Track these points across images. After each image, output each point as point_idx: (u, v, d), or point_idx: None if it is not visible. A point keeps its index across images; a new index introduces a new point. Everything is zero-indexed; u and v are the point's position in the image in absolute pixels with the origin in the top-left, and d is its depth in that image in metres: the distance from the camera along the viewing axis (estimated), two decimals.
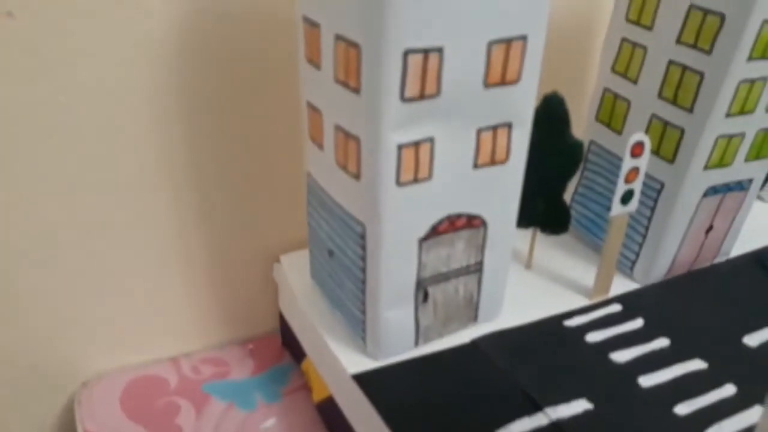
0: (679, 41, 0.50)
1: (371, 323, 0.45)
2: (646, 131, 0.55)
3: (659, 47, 0.52)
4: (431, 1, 0.35)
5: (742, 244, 0.63)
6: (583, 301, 0.56)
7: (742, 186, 0.57)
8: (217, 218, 0.57)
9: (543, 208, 0.57)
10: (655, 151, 0.54)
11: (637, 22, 0.54)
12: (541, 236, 0.59)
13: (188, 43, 0.50)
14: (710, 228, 0.58)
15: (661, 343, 0.51)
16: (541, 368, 0.47)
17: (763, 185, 0.68)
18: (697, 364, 0.49)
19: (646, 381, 0.47)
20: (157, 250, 0.56)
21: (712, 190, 0.55)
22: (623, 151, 0.51)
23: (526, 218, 0.57)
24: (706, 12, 0.48)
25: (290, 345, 0.59)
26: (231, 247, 0.58)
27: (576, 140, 0.55)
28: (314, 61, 0.42)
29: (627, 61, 0.55)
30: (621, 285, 0.58)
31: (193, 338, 0.60)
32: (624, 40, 0.55)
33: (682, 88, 0.51)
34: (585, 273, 0.59)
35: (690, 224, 0.56)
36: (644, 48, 0.53)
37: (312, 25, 0.41)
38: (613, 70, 0.57)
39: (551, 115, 0.53)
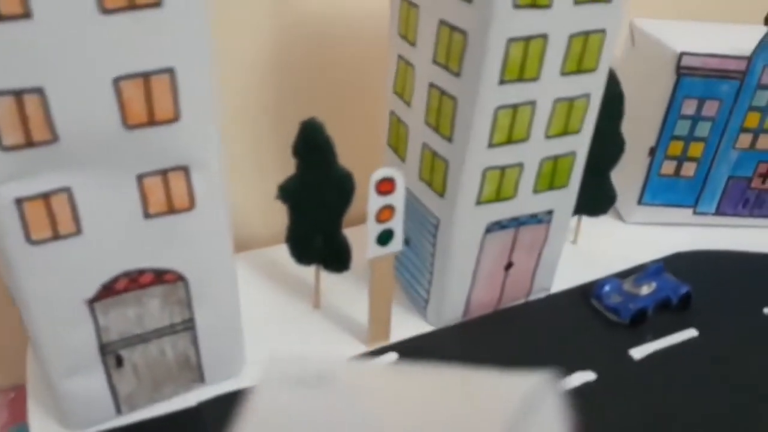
0: (435, 61, 0.44)
1: (55, 392, 0.40)
2: (420, 161, 0.48)
3: (421, 66, 0.46)
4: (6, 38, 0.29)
5: (595, 271, 0.58)
6: (360, 348, 0.50)
7: (538, 219, 0.50)
8: None
9: (321, 245, 0.51)
10: (429, 184, 0.48)
11: (405, 37, 0.47)
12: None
13: None
14: (510, 264, 0.52)
15: None
16: None
17: (595, 208, 0.62)
18: None
19: None
20: None
21: (497, 226, 0.49)
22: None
23: (306, 255, 0.52)
24: (452, 28, 0.42)
25: None
26: None
27: (343, 171, 0.49)
28: None
29: (403, 80, 0.49)
30: (414, 328, 0.52)
31: None
32: (399, 57, 0.49)
33: (441, 114, 0.44)
34: None
35: (478, 262, 0.50)
36: (413, 66, 0.47)
37: None
38: (394, 90, 0.51)
39: (311, 145, 0.47)
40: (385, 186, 0.43)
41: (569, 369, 0.48)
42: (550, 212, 0.50)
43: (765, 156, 0.64)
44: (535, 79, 0.42)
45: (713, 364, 0.50)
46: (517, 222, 0.49)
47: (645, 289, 0.54)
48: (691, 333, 0.53)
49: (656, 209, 0.67)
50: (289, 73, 0.60)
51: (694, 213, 0.67)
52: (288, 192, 0.49)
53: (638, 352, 0.51)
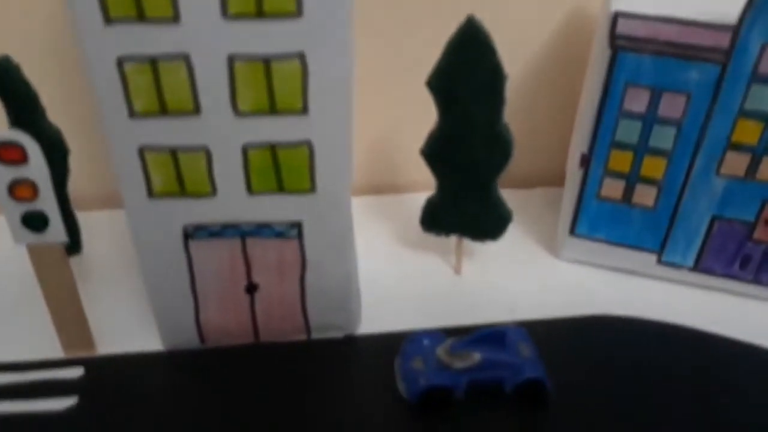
0: None
1: None
2: None
3: None
4: None
5: (464, 317, 0.41)
6: (56, 351, 0.40)
7: (277, 232, 0.35)
8: None
9: None
10: None
11: None
12: None
13: None
14: (253, 286, 0.37)
15: None
16: None
17: (479, 231, 0.44)
18: None
19: None
20: None
21: (203, 232, 0.34)
22: None
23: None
24: None
25: None
26: None
27: (51, 128, 0.39)
28: None
29: None
30: (147, 343, 0.41)
31: None
32: None
33: None
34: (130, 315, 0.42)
35: (193, 275, 0.36)
36: None
37: None
38: None
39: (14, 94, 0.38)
40: (8, 153, 0.32)
41: None
42: (296, 225, 0.35)
43: None
44: (166, 19, 0.27)
45: None
46: (238, 231, 0.35)
47: (462, 361, 0.36)
48: None
49: (597, 246, 0.46)
50: None
51: (660, 262, 0.45)
52: None
53: None
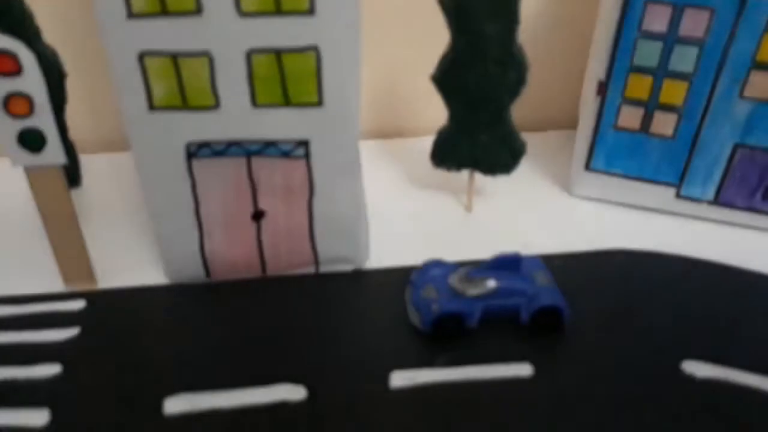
0: None
1: None
2: None
3: None
4: None
5: (473, 253, 0.39)
6: (56, 286, 0.39)
7: (282, 151, 0.33)
8: None
9: None
10: None
11: None
12: None
13: None
14: (259, 213, 0.36)
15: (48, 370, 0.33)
16: None
17: (489, 163, 0.42)
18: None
19: None
20: None
21: (206, 150, 0.33)
22: None
23: None
24: None
25: None
26: None
27: (47, 50, 0.37)
28: None
29: None
30: (151, 277, 0.39)
31: None
32: None
33: None
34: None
35: (197, 200, 0.35)
36: None
37: None
38: None
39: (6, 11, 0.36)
40: (1, 63, 0.31)
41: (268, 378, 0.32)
42: (303, 143, 0.33)
43: None
44: None
45: (524, 423, 0.30)
46: (243, 150, 0.33)
47: (477, 288, 0.35)
48: (519, 370, 0.33)
49: (613, 181, 0.44)
50: None
51: (678, 196, 0.43)
52: None
53: (401, 378, 0.33)
